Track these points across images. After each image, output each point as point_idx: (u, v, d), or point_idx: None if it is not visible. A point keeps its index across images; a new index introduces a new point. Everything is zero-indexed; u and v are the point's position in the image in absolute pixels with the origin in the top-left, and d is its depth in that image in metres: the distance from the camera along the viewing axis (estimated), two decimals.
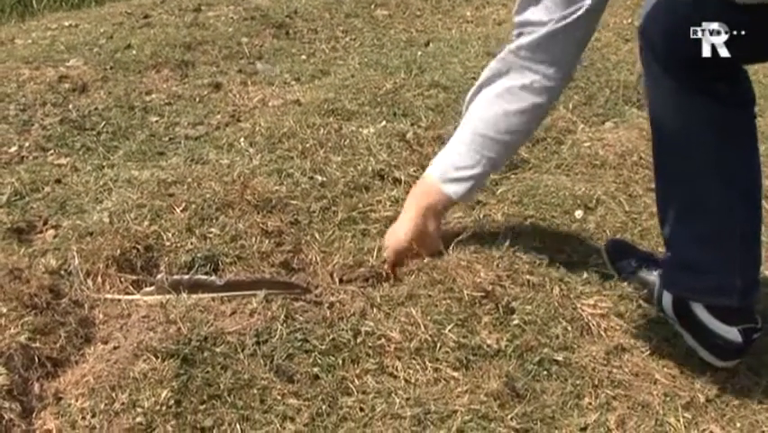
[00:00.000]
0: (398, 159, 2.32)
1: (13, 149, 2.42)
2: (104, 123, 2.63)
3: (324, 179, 2.17)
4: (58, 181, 2.20)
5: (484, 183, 1.92)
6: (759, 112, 2.10)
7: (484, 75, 1.71)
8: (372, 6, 4.27)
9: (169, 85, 3.01)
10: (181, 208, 1.94)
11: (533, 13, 1.58)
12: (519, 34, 1.62)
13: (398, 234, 1.82)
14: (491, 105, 1.68)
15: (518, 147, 1.93)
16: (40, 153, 2.40)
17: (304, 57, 3.45)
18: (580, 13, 1.53)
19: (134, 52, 3.32)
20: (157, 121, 2.67)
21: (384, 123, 2.56)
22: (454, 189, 1.77)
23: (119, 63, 3.20)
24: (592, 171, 2.54)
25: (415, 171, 2.27)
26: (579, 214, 2.24)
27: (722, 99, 1.56)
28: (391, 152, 2.35)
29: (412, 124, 2.55)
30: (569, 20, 1.54)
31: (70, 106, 2.76)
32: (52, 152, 2.42)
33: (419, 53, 3.40)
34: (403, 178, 2.23)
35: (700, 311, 1.67)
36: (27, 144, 2.45)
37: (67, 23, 3.96)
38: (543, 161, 2.56)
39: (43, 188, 2.16)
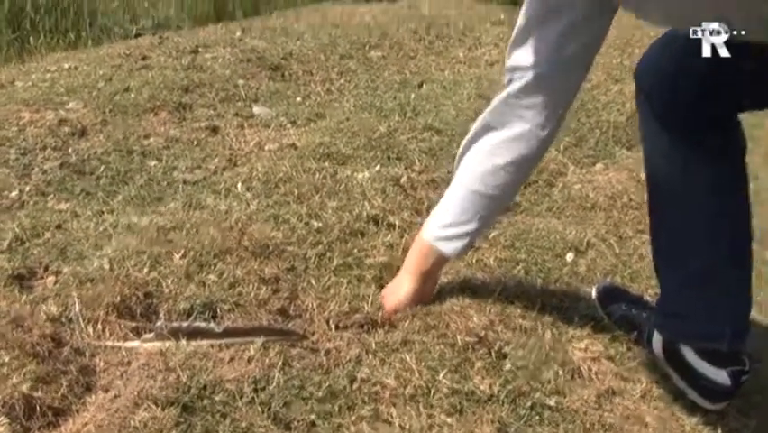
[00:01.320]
0: (393, 203, 2.36)
1: (14, 193, 2.46)
2: (103, 167, 2.67)
3: (320, 224, 2.21)
4: (58, 227, 2.23)
5: (479, 238, 1.96)
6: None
7: (474, 128, 1.73)
8: (367, 48, 4.34)
9: (167, 128, 3.05)
10: (180, 255, 1.97)
11: (521, 58, 1.59)
12: (509, 81, 1.64)
13: (398, 294, 1.86)
14: (482, 161, 1.71)
15: (510, 200, 1.97)
16: (40, 198, 2.44)
17: (299, 99, 3.50)
18: (567, 55, 1.56)
19: (133, 95, 3.37)
20: (155, 165, 2.71)
21: (378, 167, 2.60)
22: (450, 247, 1.81)
23: (118, 106, 3.25)
24: (583, 214, 2.58)
25: (409, 216, 2.31)
26: (570, 257, 2.28)
27: (714, 149, 1.60)
28: (386, 196, 2.39)
29: (406, 168, 2.60)
30: (557, 64, 1.57)
31: (70, 150, 2.80)
32: (52, 196, 2.46)
33: (413, 95, 3.46)
34: (397, 223, 2.27)
35: (689, 354, 1.70)
36: (28, 189, 2.49)
37: (66, 65, 4.01)
38: (534, 203, 2.61)
39: (44, 234, 2.19)
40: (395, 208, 2.34)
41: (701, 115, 1.56)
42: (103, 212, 2.32)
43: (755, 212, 2.85)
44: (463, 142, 1.76)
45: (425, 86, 3.71)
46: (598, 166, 3.00)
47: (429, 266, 1.84)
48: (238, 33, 4.69)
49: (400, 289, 1.86)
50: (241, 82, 3.62)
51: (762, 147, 3.41)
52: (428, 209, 2.34)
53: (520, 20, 1.58)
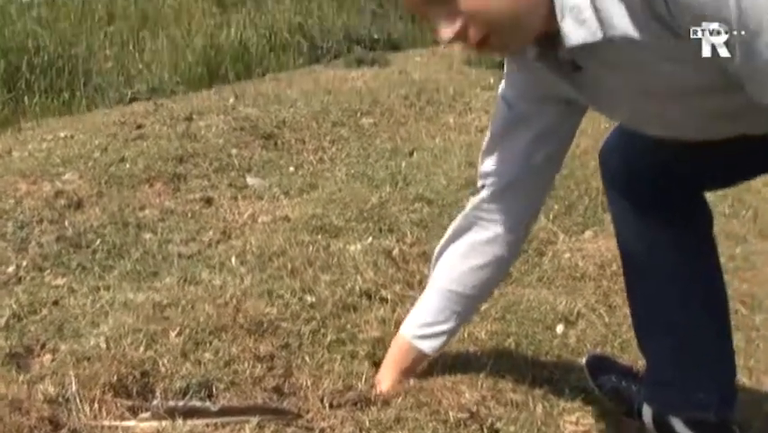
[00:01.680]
0: (385, 277, 2.40)
1: (11, 268, 2.50)
2: (99, 240, 2.70)
3: (314, 299, 2.24)
4: (55, 303, 2.26)
5: (457, 334, 1.99)
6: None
7: (450, 231, 1.78)
8: (358, 114, 4.41)
9: (162, 200, 3.10)
10: (176, 333, 2.00)
11: (492, 165, 1.64)
12: (482, 186, 1.69)
13: (382, 386, 1.88)
14: (458, 262, 1.76)
15: (487, 297, 2.01)
16: (37, 273, 2.47)
17: (292, 169, 3.56)
18: (537, 161, 1.61)
19: (128, 166, 3.42)
20: (150, 238, 2.75)
21: (370, 239, 2.65)
22: (429, 345, 1.86)
23: (113, 177, 3.29)
24: (573, 284, 2.62)
25: (401, 289, 2.35)
26: (560, 329, 2.31)
27: (681, 225, 1.66)
28: (378, 270, 2.43)
29: (398, 241, 2.64)
30: (528, 169, 1.62)
31: (66, 223, 2.84)
32: (49, 271, 2.49)
33: (404, 164, 3.52)
34: (389, 297, 2.30)
35: (679, 425, 1.72)
36: (24, 264, 2.52)
37: (62, 134, 4.07)
38: (524, 274, 2.65)
39: (41, 311, 2.22)
40: (387, 282, 2.38)
41: (666, 194, 1.62)
42: (99, 288, 2.35)
43: (745, 277, 2.92)
44: (440, 244, 1.81)
45: (415, 154, 3.77)
46: (588, 233, 3.05)
47: (409, 363, 1.89)
48: (231, 100, 4.77)
49: (384, 382, 1.89)
50: (234, 151, 3.67)
51: (749, 211, 3.47)
52: (420, 283, 2.39)
53: (491, 126, 1.64)
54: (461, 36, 1.22)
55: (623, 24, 1.11)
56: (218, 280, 2.34)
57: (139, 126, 4.13)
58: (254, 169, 3.53)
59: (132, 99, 6.17)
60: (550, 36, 1.20)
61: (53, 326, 2.13)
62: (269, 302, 2.20)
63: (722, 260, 1.78)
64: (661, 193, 1.62)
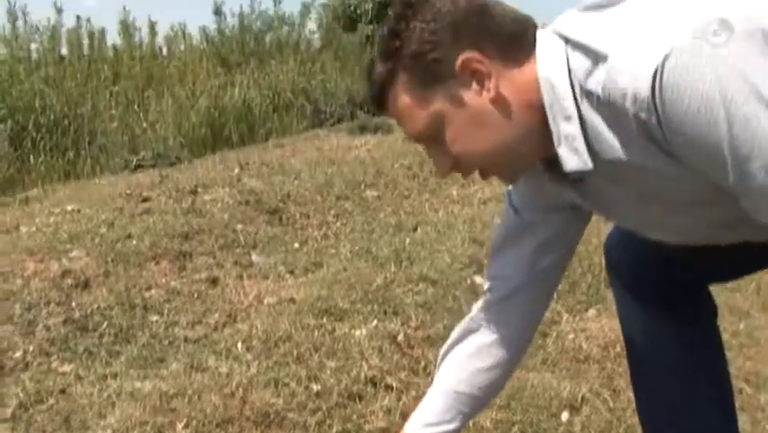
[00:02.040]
0: (390, 363, 2.41)
1: (18, 354, 2.51)
2: (106, 323, 2.72)
3: (319, 387, 2.25)
4: (62, 392, 2.27)
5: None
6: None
7: (456, 332, 1.77)
8: (362, 187, 4.46)
9: (168, 279, 3.12)
10: (183, 424, 2.01)
11: (499, 269, 1.65)
12: (489, 288, 1.71)
13: None
14: (464, 363, 1.76)
15: (493, 398, 2.01)
16: (44, 359, 2.49)
17: (297, 245, 3.59)
18: (543, 267, 1.63)
19: (134, 242, 3.46)
20: (157, 321, 2.77)
21: (375, 322, 2.67)
22: None
23: (120, 255, 3.33)
24: (576, 367, 2.63)
25: (406, 376, 2.35)
26: (565, 416, 2.31)
27: (685, 318, 1.68)
28: (383, 356, 2.44)
29: (402, 324, 2.66)
30: (534, 276, 1.64)
31: (74, 304, 2.86)
32: (56, 357, 2.50)
33: (408, 240, 3.55)
34: (395, 384, 2.31)
35: None
36: (32, 348, 2.54)
37: (69, 208, 4.12)
38: (529, 356, 2.65)
39: (47, 400, 2.23)
40: (392, 368, 2.39)
41: (671, 288, 1.64)
42: (106, 375, 2.36)
43: (749, 354, 2.92)
44: (446, 344, 1.80)
45: (419, 229, 3.80)
46: (591, 312, 3.06)
47: None
48: (236, 171, 4.83)
49: None
50: (239, 227, 3.71)
51: (752, 284, 3.48)
52: (425, 369, 2.40)
53: (499, 229, 1.66)
54: (456, 170, 1.27)
55: (616, 151, 1.14)
56: (225, 368, 2.35)
57: (145, 199, 4.19)
58: (259, 245, 3.56)
59: (138, 166, 6.27)
60: (552, 157, 1.23)
61: (60, 416, 2.14)
62: (275, 391, 2.21)
63: (725, 336, 1.80)
64: (665, 287, 1.64)
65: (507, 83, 1.18)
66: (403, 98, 1.22)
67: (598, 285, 3.27)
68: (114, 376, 2.36)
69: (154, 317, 2.80)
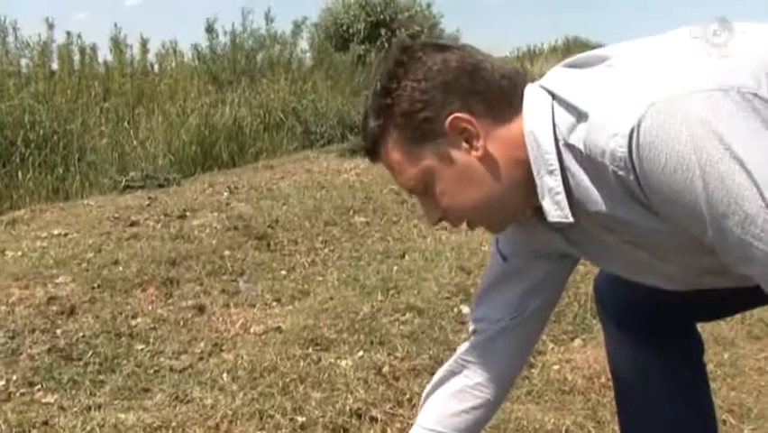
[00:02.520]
0: (375, 395, 2.41)
1: (2, 383, 2.50)
2: (91, 352, 2.71)
3: (304, 419, 2.25)
4: (45, 423, 2.26)
5: None
6: None
7: (440, 374, 1.77)
8: (351, 213, 4.46)
9: (155, 307, 3.12)
10: None
11: (485, 311, 1.65)
12: (474, 331, 1.71)
13: None
14: (447, 404, 1.76)
15: None
16: (27, 389, 2.47)
17: (284, 272, 3.59)
18: (530, 311, 1.64)
19: (121, 268, 3.46)
20: (142, 349, 2.76)
21: (361, 352, 2.67)
22: None
23: (106, 281, 3.32)
24: (561, 398, 2.63)
25: (390, 408, 2.35)
26: None
27: (673, 355, 1.69)
28: (368, 387, 2.44)
29: (388, 354, 2.65)
30: (520, 319, 1.64)
31: (59, 332, 2.85)
32: (40, 387, 2.49)
33: (395, 268, 3.55)
34: (379, 416, 2.31)
35: None
36: (15, 378, 2.52)
37: (56, 232, 4.11)
38: (514, 387, 2.65)
39: (30, 432, 2.22)
40: (377, 400, 2.39)
41: (659, 325, 1.65)
42: (90, 407, 2.34)
43: (733, 384, 2.93)
44: (429, 385, 1.80)
45: (407, 256, 3.80)
46: (577, 342, 3.06)
47: None
48: (225, 194, 4.83)
49: None
50: (227, 253, 3.71)
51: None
52: (410, 400, 2.40)
53: (486, 273, 1.66)
54: (445, 220, 1.30)
55: (600, 204, 1.16)
56: (210, 399, 2.35)
57: (132, 224, 4.18)
58: (247, 272, 3.55)
59: (126, 187, 6.24)
60: (540, 207, 1.25)
61: None
62: (259, 424, 2.21)
63: (710, 366, 1.81)
64: (654, 324, 1.65)
65: (495, 141, 1.22)
66: (394, 154, 1.24)
67: (585, 314, 3.28)
68: (98, 407, 2.35)
69: (140, 346, 2.79)
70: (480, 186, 1.24)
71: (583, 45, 21.40)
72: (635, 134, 1.04)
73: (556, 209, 1.20)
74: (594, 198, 1.16)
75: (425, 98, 1.20)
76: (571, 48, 21.00)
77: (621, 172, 1.08)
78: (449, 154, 1.22)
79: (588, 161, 1.13)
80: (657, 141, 1.03)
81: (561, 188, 1.18)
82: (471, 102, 1.20)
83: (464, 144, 1.21)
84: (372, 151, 1.27)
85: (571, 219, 1.19)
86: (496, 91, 1.22)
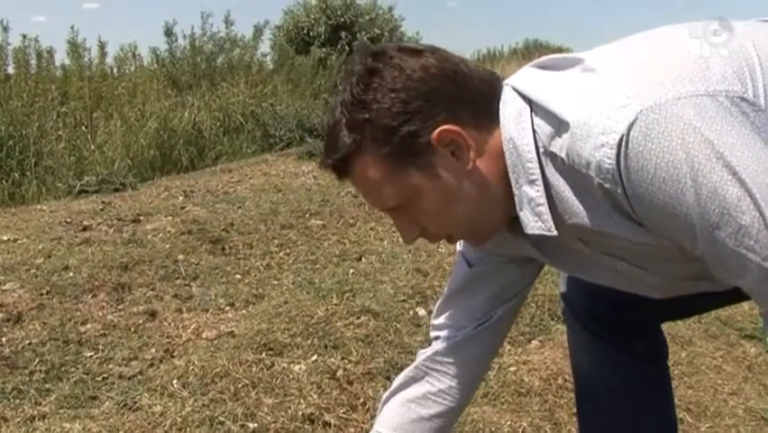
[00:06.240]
0: (328, 399, 2.37)
1: None
2: (37, 360, 2.64)
3: (256, 425, 2.21)
4: None
5: None
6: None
7: (400, 380, 1.71)
8: (307, 216, 4.42)
9: (105, 313, 3.05)
10: None
11: (449, 319, 1.61)
12: (437, 337, 1.67)
13: None
14: (407, 411, 1.71)
15: None
16: None
17: (239, 276, 3.54)
18: (495, 318, 1.60)
19: (71, 274, 3.38)
20: (91, 356, 2.70)
21: (315, 357, 2.63)
22: None
23: (55, 287, 3.24)
24: (518, 400, 2.61)
25: (344, 413, 2.32)
26: None
27: (638, 354, 1.67)
28: (321, 392, 2.41)
29: (342, 358, 2.62)
30: (484, 325, 1.61)
31: (4, 340, 2.78)
32: None
33: (351, 270, 3.52)
34: (333, 421, 2.27)
35: None
36: None
37: (5, 237, 4.02)
38: None
39: None
40: (331, 405, 2.35)
41: (623, 324, 1.64)
42: (35, 417, 2.28)
43: (690, 383, 2.94)
44: (388, 391, 1.74)
45: (363, 258, 3.77)
46: (534, 343, 3.05)
47: None
48: (180, 198, 4.76)
49: None
50: (181, 257, 3.65)
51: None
52: (363, 405, 2.37)
53: (450, 281, 1.63)
54: (424, 237, 1.23)
55: (581, 217, 1.11)
56: (159, 406, 2.30)
57: (85, 228, 4.10)
58: (200, 276, 3.50)
59: (81, 191, 6.13)
60: (515, 215, 1.20)
61: None
62: (209, 431, 2.17)
63: None
64: (621, 324, 1.63)
65: (482, 152, 1.14)
66: (371, 172, 1.13)
67: (542, 315, 3.27)
68: (43, 417, 2.29)
69: (88, 353, 2.73)
70: (467, 202, 1.16)
71: (543, 48, 21.57)
72: (623, 145, 0.99)
73: (536, 221, 1.14)
74: (574, 209, 1.12)
75: (407, 110, 1.10)
76: (531, 50, 21.19)
77: (608, 185, 1.03)
78: (435, 170, 1.13)
79: (570, 170, 1.07)
80: (646, 151, 0.99)
81: (543, 199, 1.12)
82: (458, 111, 1.12)
83: (452, 158, 1.12)
84: (342, 167, 1.15)
85: (554, 232, 1.13)
86: (478, 98, 1.14)
